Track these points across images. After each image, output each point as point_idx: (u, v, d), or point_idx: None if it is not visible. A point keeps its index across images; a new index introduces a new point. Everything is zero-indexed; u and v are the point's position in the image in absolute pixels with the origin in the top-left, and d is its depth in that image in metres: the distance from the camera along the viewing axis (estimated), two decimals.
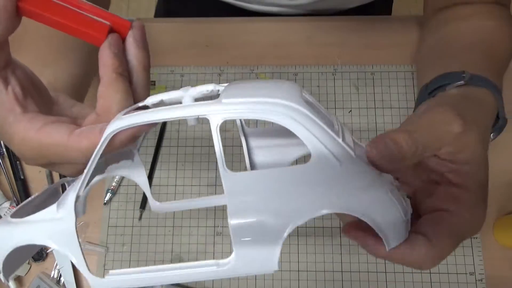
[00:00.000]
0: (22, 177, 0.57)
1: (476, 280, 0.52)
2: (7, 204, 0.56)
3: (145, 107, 0.29)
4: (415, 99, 0.45)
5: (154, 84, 0.61)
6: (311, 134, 0.24)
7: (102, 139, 0.26)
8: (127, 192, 0.57)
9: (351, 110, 0.58)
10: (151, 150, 0.58)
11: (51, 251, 0.54)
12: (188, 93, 0.27)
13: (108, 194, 0.56)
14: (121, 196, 0.57)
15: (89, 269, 0.26)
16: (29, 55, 0.40)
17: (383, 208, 0.25)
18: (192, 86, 0.27)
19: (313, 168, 0.24)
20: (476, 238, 0.53)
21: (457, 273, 0.52)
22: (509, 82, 0.59)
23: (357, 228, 0.28)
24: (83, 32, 0.29)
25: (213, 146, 0.24)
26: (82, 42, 0.30)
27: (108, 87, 0.29)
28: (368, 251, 0.28)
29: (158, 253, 0.55)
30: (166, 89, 0.61)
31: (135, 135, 0.27)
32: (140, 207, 0.56)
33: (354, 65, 0.61)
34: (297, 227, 0.57)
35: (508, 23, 0.49)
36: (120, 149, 0.28)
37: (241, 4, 0.71)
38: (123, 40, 0.30)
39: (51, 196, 0.34)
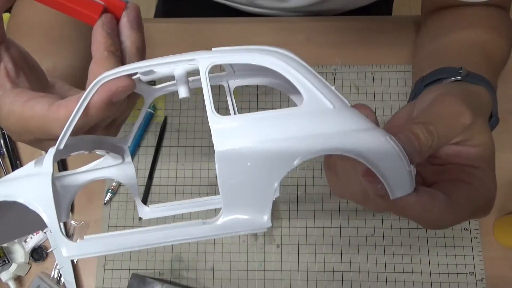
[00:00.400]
0: None
1: (476, 280, 0.52)
2: None
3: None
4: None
5: (154, 84, 0.61)
6: (304, 78, 0.24)
7: (89, 88, 0.25)
8: (127, 192, 0.57)
9: None
10: (151, 150, 0.58)
11: (51, 251, 0.54)
12: (179, 65, 0.26)
13: (108, 194, 0.56)
14: (121, 196, 0.57)
15: (62, 231, 0.24)
16: (29, 45, 0.40)
17: (382, 151, 0.23)
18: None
19: (305, 110, 0.23)
20: (476, 238, 0.53)
21: (457, 273, 0.52)
22: (510, 81, 0.59)
23: (370, 173, 0.25)
24: (77, 10, 0.29)
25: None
26: (83, 35, 0.30)
27: (99, 65, 0.29)
28: (376, 196, 0.26)
29: (158, 253, 0.55)
30: None
31: (111, 98, 0.26)
32: None
33: (354, 65, 0.61)
34: (297, 227, 0.57)
35: (506, 26, 0.49)
36: (96, 118, 0.27)
37: (240, 6, 0.71)
38: (117, 21, 0.30)
39: None
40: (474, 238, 0.53)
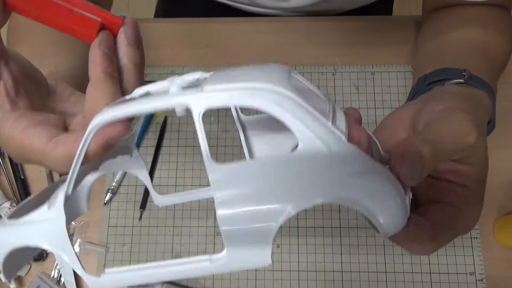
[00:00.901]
0: (22, 177, 0.57)
1: (476, 280, 0.52)
2: (7, 204, 0.56)
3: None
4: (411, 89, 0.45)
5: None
6: (296, 119, 0.22)
7: (85, 136, 0.26)
8: (127, 192, 0.57)
9: None
10: (151, 150, 0.58)
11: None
12: (174, 83, 0.26)
13: (108, 194, 0.56)
14: (121, 196, 0.57)
15: (84, 269, 0.26)
16: (32, 45, 0.40)
17: (378, 197, 0.23)
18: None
19: (300, 156, 0.23)
20: (476, 238, 0.53)
21: (457, 273, 0.52)
22: (510, 82, 0.59)
23: None
24: (73, 29, 0.29)
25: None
26: None
27: (96, 88, 0.28)
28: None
29: (158, 253, 0.55)
30: None
31: (107, 143, 0.27)
32: (140, 207, 0.56)
33: (354, 65, 0.61)
34: (297, 227, 0.57)
35: (507, 26, 0.49)
36: (95, 159, 0.27)
37: (240, 6, 0.71)
38: (115, 37, 0.29)
39: (50, 196, 0.34)
40: (474, 238, 0.53)
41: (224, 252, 0.25)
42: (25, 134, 0.29)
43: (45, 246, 0.26)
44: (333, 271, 0.53)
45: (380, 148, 0.31)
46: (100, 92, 0.28)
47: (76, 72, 0.40)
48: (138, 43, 0.30)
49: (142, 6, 1.59)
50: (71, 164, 0.27)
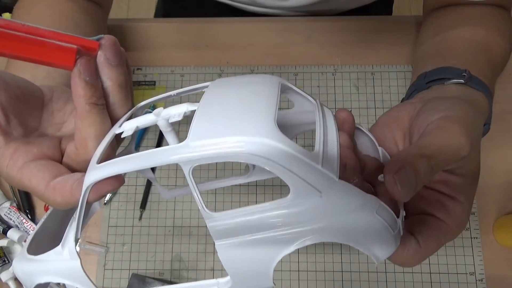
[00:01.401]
0: None
1: (476, 280, 0.52)
2: (7, 204, 0.56)
3: (120, 135, 0.29)
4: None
5: (154, 84, 0.61)
6: (284, 168, 0.23)
7: (82, 194, 0.27)
8: (127, 192, 0.57)
9: (351, 110, 0.58)
10: None
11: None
12: (161, 117, 0.27)
13: (108, 194, 0.56)
14: (121, 196, 0.57)
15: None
16: None
17: (370, 232, 0.24)
18: (174, 102, 0.27)
19: (292, 202, 0.23)
20: (476, 238, 0.53)
21: (457, 273, 0.52)
22: (510, 81, 0.59)
23: None
24: (49, 61, 0.27)
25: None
26: (86, 34, 0.30)
27: (82, 120, 0.28)
28: None
29: (158, 253, 0.55)
30: (166, 89, 0.61)
31: (103, 195, 0.28)
32: (140, 207, 0.56)
33: (354, 65, 0.61)
34: None
35: (507, 26, 0.49)
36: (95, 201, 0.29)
37: (240, 5, 0.71)
38: (95, 58, 0.29)
39: (64, 222, 0.35)
40: (474, 238, 0.53)
41: (228, 278, 0.26)
42: (23, 174, 0.29)
43: (66, 282, 0.28)
44: (333, 271, 0.53)
45: (377, 146, 0.31)
46: (87, 123, 0.28)
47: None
48: (119, 61, 0.29)
49: (142, 6, 1.59)
50: (71, 206, 0.29)
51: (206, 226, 0.26)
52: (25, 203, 0.56)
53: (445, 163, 0.28)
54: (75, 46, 0.28)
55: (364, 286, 0.52)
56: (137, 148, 0.58)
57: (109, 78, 0.29)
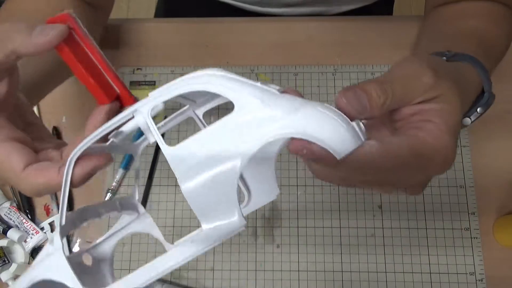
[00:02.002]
0: None
1: (476, 280, 0.52)
2: (7, 204, 0.56)
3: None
4: None
5: (154, 84, 0.61)
6: (227, 88, 0.26)
7: (66, 167, 0.27)
8: (127, 192, 0.57)
9: None
10: (151, 150, 0.58)
11: None
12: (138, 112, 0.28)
13: (108, 194, 0.56)
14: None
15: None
16: None
17: (317, 121, 0.25)
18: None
19: (239, 113, 0.25)
20: (476, 238, 0.53)
21: (457, 273, 0.52)
22: (510, 81, 0.59)
23: (302, 140, 0.26)
24: (97, 90, 0.31)
25: None
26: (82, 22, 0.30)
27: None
28: (319, 160, 0.26)
29: (158, 253, 0.54)
30: None
31: (91, 174, 0.29)
32: None
33: (354, 65, 0.61)
34: (297, 227, 0.57)
35: (507, 22, 0.49)
36: (80, 185, 0.29)
37: (241, 5, 0.71)
38: (121, 108, 0.32)
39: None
40: (474, 238, 0.53)
41: (200, 228, 0.26)
42: (3, 148, 0.29)
43: (52, 277, 0.28)
44: (333, 271, 0.53)
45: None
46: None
47: (36, 79, 0.41)
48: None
49: (142, 6, 1.59)
50: (47, 192, 0.29)
51: None
52: (25, 203, 0.56)
53: (406, 89, 0.28)
54: (117, 90, 0.32)
55: (364, 286, 0.52)
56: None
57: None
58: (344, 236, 0.54)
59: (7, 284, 0.53)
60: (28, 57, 0.30)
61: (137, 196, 0.36)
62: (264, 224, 0.55)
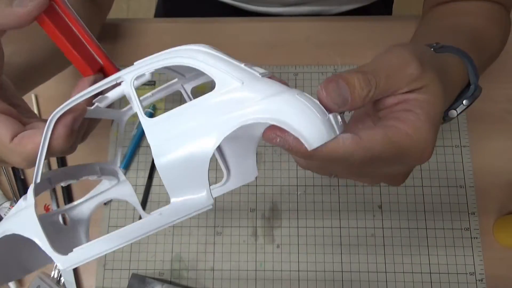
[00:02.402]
0: (22, 177, 0.57)
1: (476, 280, 0.52)
2: (7, 204, 0.56)
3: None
4: None
5: (154, 84, 0.61)
6: (209, 65, 0.26)
7: (46, 126, 0.28)
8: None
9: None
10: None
11: None
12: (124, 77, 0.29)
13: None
14: None
15: (53, 249, 0.27)
16: None
17: (293, 110, 0.25)
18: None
19: (218, 92, 0.26)
20: (476, 238, 0.53)
21: (457, 273, 0.52)
22: (510, 81, 0.59)
23: (276, 128, 0.26)
24: (78, 61, 0.31)
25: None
26: (48, 42, 0.31)
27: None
28: (291, 150, 0.26)
29: (158, 253, 0.55)
30: None
31: (71, 128, 0.29)
32: None
33: (354, 65, 0.61)
34: (297, 227, 0.57)
35: (502, 22, 0.49)
36: (63, 147, 0.29)
37: (240, 4, 0.71)
38: (105, 76, 0.32)
39: None
40: (474, 238, 0.53)
41: (170, 203, 0.27)
42: None
43: (20, 232, 0.28)
44: (333, 271, 0.53)
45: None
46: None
47: (20, 66, 0.41)
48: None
49: (142, 6, 1.59)
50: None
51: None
52: None
53: (390, 79, 0.27)
54: (101, 62, 0.32)
55: (364, 286, 0.52)
56: (136, 148, 0.58)
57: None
58: (344, 236, 0.54)
59: (7, 284, 0.53)
60: (14, 46, 0.29)
61: (119, 163, 0.37)
62: (264, 224, 0.55)
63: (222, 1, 0.72)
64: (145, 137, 0.59)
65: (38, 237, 0.27)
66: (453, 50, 0.38)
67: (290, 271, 0.53)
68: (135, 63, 0.28)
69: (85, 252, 0.27)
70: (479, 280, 0.52)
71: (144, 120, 0.26)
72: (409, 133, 0.27)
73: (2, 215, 0.56)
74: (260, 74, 0.26)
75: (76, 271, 0.54)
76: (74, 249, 0.27)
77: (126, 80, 0.28)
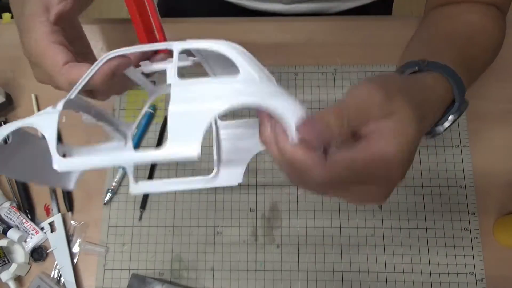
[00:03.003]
0: None
1: (476, 280, 0.52)
2: (7, 204, 0.56)
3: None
4: None
5: (154, 84, 0.61)
6: (243, 59, 0.33)
7: (98, 60, 0.34)
8: (127, 192, 0.57)
9: None
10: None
11: (51, 251, 0.54)
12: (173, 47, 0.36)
13: (108, 194, 0.56)
14: (121, 196, 0.57)
15: (58, 151, 0.31)
16: None
17: (292, 106, 0.30)
18: None
19: (242, 79, 0.32)
20: (476, 238, 0.53)
21: (457, 273, 0.52)
22: (510, 81, 0.59)
23: (270, 116, 0.31)
24: (141, 31, 0.41)
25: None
26: None
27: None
28: (276, 139, 0.30)
29: (158, 253, 0.55)
30: None
31: (112, 71, 0.34)
32: (140, 207, 0.56)
33: (354, 65, 0.61)
34: (297, 227, 0.57)
35: (498, 25, 0.49)
36: (100, 83, 0.34)
37: (241, 2, 0.71)
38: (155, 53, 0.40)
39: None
40: (474, 238, 0.53)
41: (165, 145, 0.30)
42: (51, 47, 0.36)
43: (39, 127, 0.33)
44: (333, 271, 0.53)
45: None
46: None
47: None
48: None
49: None
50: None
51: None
52: (25, 203, 0.56)
53: (359, 112, 0.30)
54: (157, 37, 0.43)
55: (364, 286, 0.52)
56: (137, 148, 0.58)
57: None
58: (344, 236, 0.54)
59: (7, 284, 0.53)
60: None
61: (133, 129, 0.43)
62: (264, 224, 0.55)
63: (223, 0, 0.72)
64: (145, 137, 0.59)
65: (50, 136, 0.32)
66: (439, 67, 0.39)
67: (290, 271, 0.53)
68: (187, 40, 0.35)
69: (81, 161, 0.32)
70: (479, 280, 0.52)
71: (174, 80, 0.32)
72: (374, 153, 0.30)
73: (2, 215, 0.56)
74: (275, 82, 0.33)
75: (76, 271, 0.54)
76: (73, 157, 0.32)
77: (174, 50, 0.35)
